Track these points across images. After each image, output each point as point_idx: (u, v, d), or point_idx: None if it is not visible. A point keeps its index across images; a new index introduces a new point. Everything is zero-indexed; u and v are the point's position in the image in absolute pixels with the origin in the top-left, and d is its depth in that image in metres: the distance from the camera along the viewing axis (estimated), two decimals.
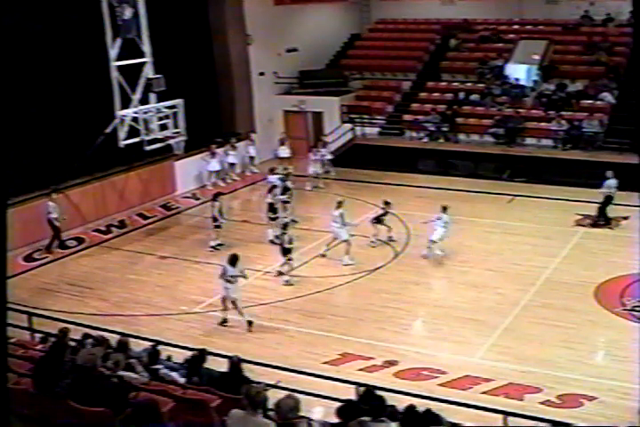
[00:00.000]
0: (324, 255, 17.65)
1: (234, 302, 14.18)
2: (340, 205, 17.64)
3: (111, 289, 16.20)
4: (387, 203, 18.44)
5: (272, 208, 18.87)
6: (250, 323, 14.12)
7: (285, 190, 19.72)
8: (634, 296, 14.79)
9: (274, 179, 20.40)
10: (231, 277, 14.17)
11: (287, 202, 19.67)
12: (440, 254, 17.18)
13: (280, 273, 16.59)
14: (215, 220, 18.41)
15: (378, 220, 18.34)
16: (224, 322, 14.32)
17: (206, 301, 15.47)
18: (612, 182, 19.26)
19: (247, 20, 25.19)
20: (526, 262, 16.86)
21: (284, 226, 17.04)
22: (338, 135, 25.78)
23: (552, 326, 13.80)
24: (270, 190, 19.47)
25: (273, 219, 18.66)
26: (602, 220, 19.33)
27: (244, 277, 14.52)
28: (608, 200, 19.35)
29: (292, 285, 16.21)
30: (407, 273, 16.76)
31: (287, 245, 16.50)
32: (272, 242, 18.27)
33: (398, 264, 17.19)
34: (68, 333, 9.97)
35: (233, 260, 14.41)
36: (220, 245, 18.43)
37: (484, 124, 24.82)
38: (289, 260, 16.53)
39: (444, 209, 17.35)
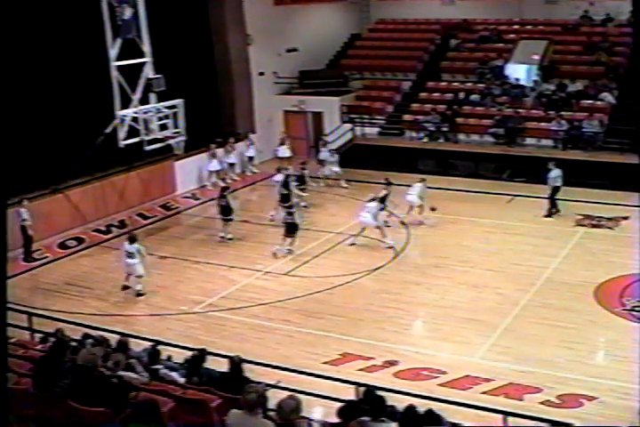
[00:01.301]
0: (353, 244, 18.05)
1: (138, 276, 15.70)
2: (374, 199, 18.27)
3: (111, 289, 16.19)
4: (388, 183, 19.25)
5: (285, 198, 19.22)
6: (126, 288, 15.88)
7: (301, 180, 20.48)
8: (634, 296, 14.79)
9: (280, 177, 20.44)
10: (129, 253, 15.51)
11: (303, 189, 20.58)
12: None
13: (290, 251, 17.61)
14: (228, 213, 18.56)
15: (381, 201, 18.66)
16: (125, 288, 15.91)
17: (206, 301, 15.48)
18: (556, 173, 19.58)
19: (247, 20, 25.19)
20: (526, 262, 16.85)
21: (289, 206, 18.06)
22: (338, 135, 25.78)
23: (552, 326, 13.80)
24: (284, 184, 19.77)
25: (288, 207, 19.10)
26: (553, 210, 19.76)
27: (142, 254, 15.74)
28: (555, 190, 19.69)
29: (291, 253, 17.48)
30: (407, 273, 16.75)
31: (298, 221, 17.56)
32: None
33: (398, 264, 17.20)
34: (64, 332, 9.99)
35: (131, 239, 15.78)
36: (230, 239, 18.64)
37: (484, 124, 24.81)
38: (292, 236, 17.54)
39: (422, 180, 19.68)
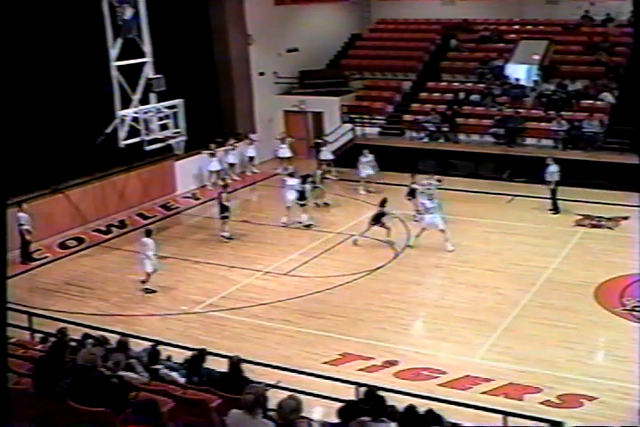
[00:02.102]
0: (411, 246, 18.04)
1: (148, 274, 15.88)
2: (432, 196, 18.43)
3: (111, 289, 16.20)
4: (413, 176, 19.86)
5: (302, 195, 19.52)
6: (151, 291, 15.87)
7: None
8: (634, 296, 14.79)
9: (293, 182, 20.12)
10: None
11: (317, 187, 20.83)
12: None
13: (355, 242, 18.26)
14: (223, 211, 18.68)
15: (411, 194, 19.35)
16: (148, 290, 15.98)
17: (206, 301, 15.48)
18: (554, 168, 19.70)
19: (247, 20, 25.19)
20: (526, 262, 16.85)
21: (383, 202, 18.32)
22: (338, 135, 25.78)
23: (552, 327, 13.80)
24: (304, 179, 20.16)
25: (303, 205, 19.68)
26: (554, 208, 19.91)
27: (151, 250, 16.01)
28: (555, 185, 19.75)
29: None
30: (407, 273, 16.75)
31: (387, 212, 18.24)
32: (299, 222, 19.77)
33: (398, 264, 17.19)
34: (66, 333, 9.99)
35: (147, 232, 16.12)
36: (229, 238, 18.71)
37: (484, 124, 24.82)
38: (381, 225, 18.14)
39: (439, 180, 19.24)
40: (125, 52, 18.43)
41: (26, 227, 17.36)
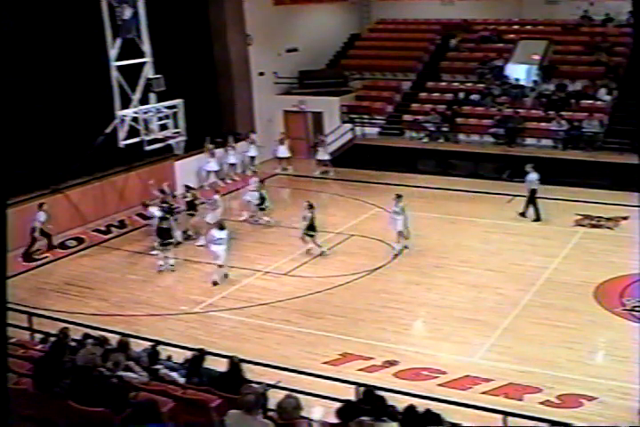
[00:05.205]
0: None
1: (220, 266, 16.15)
2: (399, 198, 17.63)
3: (111, 289, 16.20)
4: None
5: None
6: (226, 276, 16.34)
7: None
8: (634, 296, 14.79)
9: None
10: (219, 239, 15.99)
11: None
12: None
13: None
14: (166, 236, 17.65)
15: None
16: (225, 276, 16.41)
17: (206, 301, 15.48)
18: (533, 176, 19.44)
19: (247, 20, 25.20)
20: (526, 262, 16.85)
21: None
22: (338, 135, 25.77)
23: (552, 327, 13.80)
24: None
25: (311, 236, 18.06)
26: (536, 214, 19.61)
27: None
28: (533, 193, 19.54)
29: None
30: (407, 273, 16.75)
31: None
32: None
33: (398, 264, 17.19)
34: (68, 333, 10.00)
35: (221, 226, 16.29)
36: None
37: (484, 124, 24.82)
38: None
39: (398, 197, 17.68)
40: (125, 52, 18.44)
41: (39, 225, 17.66)
